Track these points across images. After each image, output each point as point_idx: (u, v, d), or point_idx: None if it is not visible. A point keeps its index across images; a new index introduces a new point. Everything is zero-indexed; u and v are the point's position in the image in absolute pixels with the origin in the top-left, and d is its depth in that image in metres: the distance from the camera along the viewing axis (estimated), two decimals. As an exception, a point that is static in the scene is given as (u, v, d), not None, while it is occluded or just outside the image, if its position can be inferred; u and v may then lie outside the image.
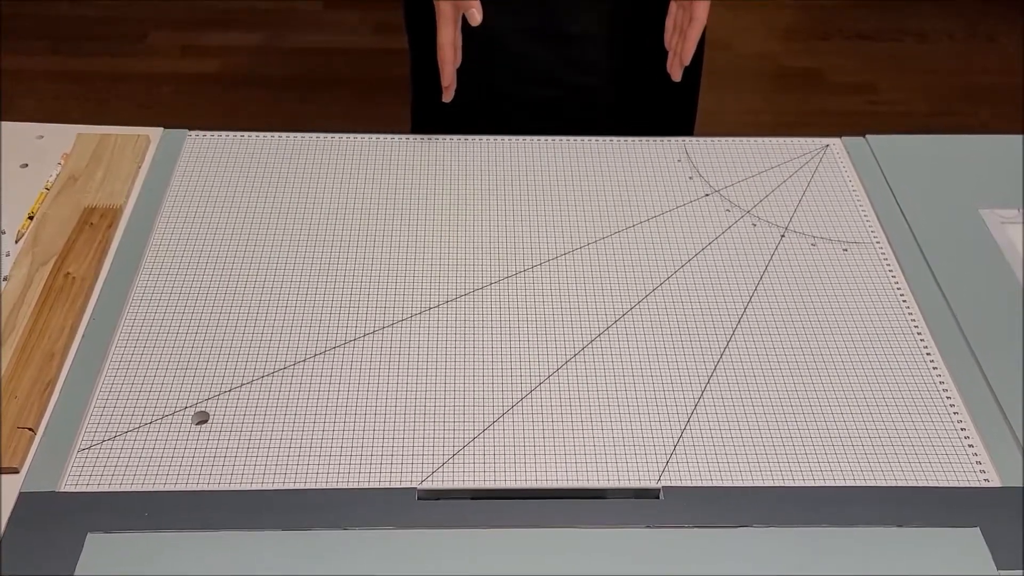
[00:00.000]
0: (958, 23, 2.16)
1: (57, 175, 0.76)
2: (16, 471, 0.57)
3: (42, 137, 0.80)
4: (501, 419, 0.61)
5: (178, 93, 1.86)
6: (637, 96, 0.94)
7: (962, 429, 0.61)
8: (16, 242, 0.70)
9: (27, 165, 0.77)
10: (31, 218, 0.72)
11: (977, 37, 2.13)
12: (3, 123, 0.81)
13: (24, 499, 0.55)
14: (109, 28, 2.07)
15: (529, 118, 0.91)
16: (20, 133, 0.80)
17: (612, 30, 0.89)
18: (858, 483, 0.58)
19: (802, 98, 1.97)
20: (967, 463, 0.59)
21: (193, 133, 0.82)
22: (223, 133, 0.82)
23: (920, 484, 0.58)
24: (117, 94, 1.89)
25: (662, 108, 0.96)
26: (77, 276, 0.67)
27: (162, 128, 0.82)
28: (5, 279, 0.67)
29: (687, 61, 0.81)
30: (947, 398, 0.63)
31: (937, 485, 0.58)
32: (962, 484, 0.58)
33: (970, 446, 0.60)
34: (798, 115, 1.91)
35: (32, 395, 0.60)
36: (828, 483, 0.58)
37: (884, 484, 0.58)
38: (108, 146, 0.79)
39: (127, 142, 0.79)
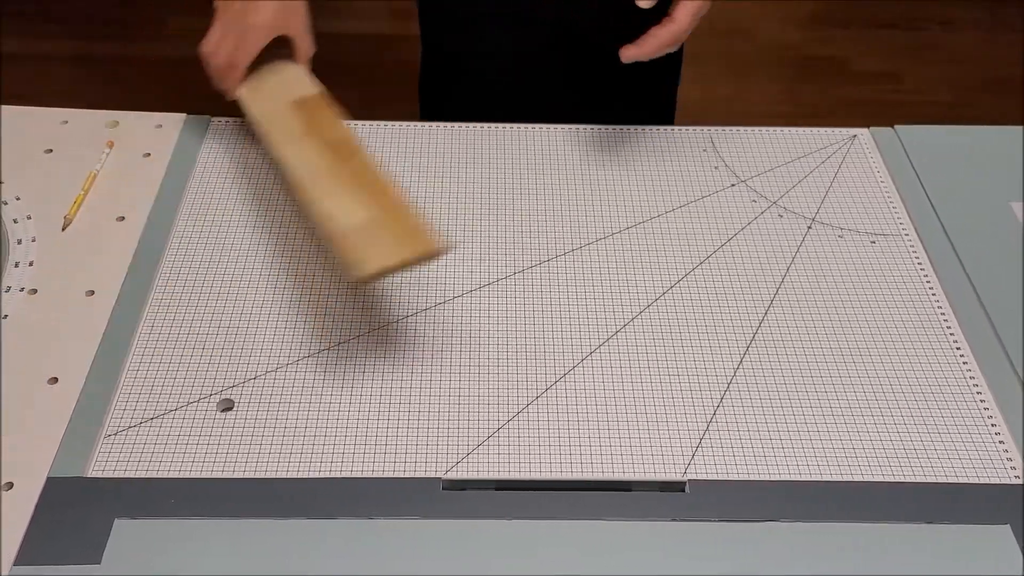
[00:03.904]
0: (983, 12, 2.13)
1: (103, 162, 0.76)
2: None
3: (67, 122, 0.80)
4: (526, 409, 0.60)
5: (194, 79, 1.86)
6: (608, 87, 0.92)
7: (992, 425, 0.60)
8: (63, 229, 0.70)
9: (52, 151, 0.77)
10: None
11: (1002, 26, 2.10)
12: (28, 108, 0.81)
13: (52, 484, 0.55)
14: (127, 13, 2.07)
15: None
16: (45, 118, 0.80)
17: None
18: (886, 479, 0.57)
19: (824, 87, 1.95)
20: (997, 459, 0.59)
21: (216, 119, 0.82)
22: (245, 121, 0.82)
23: (950, 481, 0.57)
24: (134, 79, 1.89)
25: (636, 102, 0.94)
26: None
27: (185, 114, 0.82)
28: (16, 265, 0.67)
29: (641, 57, 0.70)
30: (977, 393, 0.62)
31: (967, 482, 0.57)
32: (992, 481, 0.58)
33: (1001, 442, 0.60)
34: (820, 104, 1.89)
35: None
36: (856, 478, 0.57)
37: (913, 480, 0.57)
38: None
39: None
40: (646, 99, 0.95)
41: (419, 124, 0.82)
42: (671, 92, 0.97)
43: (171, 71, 1.90)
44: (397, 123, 0.82)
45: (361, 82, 1.83)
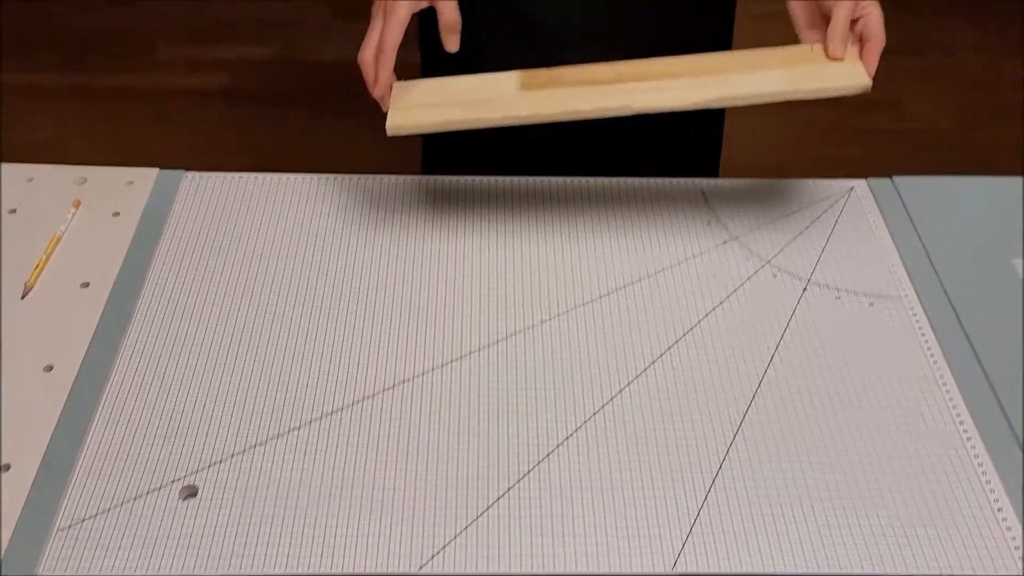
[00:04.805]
0: (984, 37, 2.10)
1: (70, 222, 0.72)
2: None
3: (32, 180, 0.77)
4: (506, 496, 0.57)
5: (186, 109, 1.84)
6: (654, 131, 0.90)
7: (999, 510, 0.57)
8: (23, 297, 0.67)
9: (15, 211, 0.74)
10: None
11: (1004, 51, 2.08)
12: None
13: (-1, 585, 0.52)
14: (116, 43, 2.05)
15: (542, 154, 0.87)
16: (10, 175, 0.77)
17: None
18: (887, 571, 0.54)
19: (823, 113, 1.92)
20: (1005, 549, 0.55)
21: (190, 174, 0.79)
22: (221, 175, 0.79)
23: (954, 572, 0.54)
24: (124, 110, 1.87)
25: (682, 143, 0.91)
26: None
27: (157, 169, 0.79)
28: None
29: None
30: (982, 473, 0.59)
31: (972, 574, 0.54)
32: (999, 572, 0.54)
33: (1008, 529, 0.56)
34: (820, 130, 1.86)
35: None
36: (856, 571, 0.54)
37: (915, 573, 0.54)
38: None
39: None
40: (691, 142, 0.92)
41: (388, 177, 0.79)
42: (716, 136, 0.94)
43: (161, 101, 1.88)
44: (373, 176, 0.79)
45: (366, 109, 1.81)
